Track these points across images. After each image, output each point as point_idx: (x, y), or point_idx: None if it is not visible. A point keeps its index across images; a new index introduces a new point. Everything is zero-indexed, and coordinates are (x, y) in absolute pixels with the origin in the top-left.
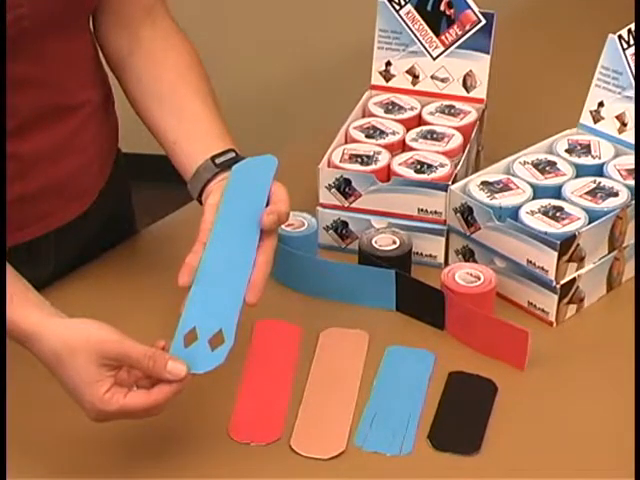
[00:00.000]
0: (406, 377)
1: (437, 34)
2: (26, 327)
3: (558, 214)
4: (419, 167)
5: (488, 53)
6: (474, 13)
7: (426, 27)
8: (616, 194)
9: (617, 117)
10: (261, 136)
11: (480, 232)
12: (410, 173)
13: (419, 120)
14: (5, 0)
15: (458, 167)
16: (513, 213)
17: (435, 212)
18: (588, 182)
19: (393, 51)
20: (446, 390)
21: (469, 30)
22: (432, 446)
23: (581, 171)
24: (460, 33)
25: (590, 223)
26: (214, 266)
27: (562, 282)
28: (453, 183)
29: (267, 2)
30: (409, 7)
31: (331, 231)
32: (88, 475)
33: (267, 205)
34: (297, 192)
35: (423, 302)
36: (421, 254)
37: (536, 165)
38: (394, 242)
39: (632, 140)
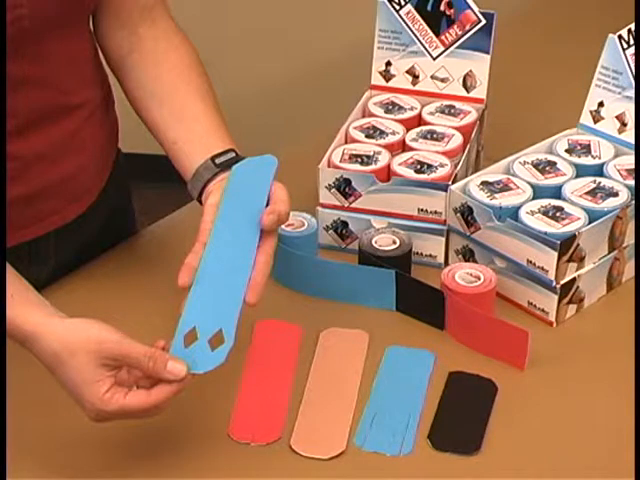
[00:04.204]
0: (406, 377)
1: (437, 34)
2: (26, 327)
3: (558, 214)
4: (419, 167)
5: (488, 53)
6: (474, 13)
7: (426, 27)
8: (616, 194)
9: (617, 117)
10: (261, 136)
11: (480, 232)
12: (410, 173)
13: (419, 120)
14: (5, 0)
15: (458, 167)
16: (513, 213)
17: (435, 212)
18: (588, 182)
19: (393, 51)
20: (446, 390)
21: (469, 30)
22: (432, 446)
23: (581, 171)
24: (460, 33)
25: (590, 223)
26: (214, 266)
27: (562, 282)
28: (453, 183)
29: (267, 2)
30: (409, 7)
31: (331, 231)
32: (88, 475)
33: (267, 205)
34: (297, 192)
35: (423, 302)
36: (421, 254)
37: (536, 165)
38: (394, 242)
39: (632, 140)
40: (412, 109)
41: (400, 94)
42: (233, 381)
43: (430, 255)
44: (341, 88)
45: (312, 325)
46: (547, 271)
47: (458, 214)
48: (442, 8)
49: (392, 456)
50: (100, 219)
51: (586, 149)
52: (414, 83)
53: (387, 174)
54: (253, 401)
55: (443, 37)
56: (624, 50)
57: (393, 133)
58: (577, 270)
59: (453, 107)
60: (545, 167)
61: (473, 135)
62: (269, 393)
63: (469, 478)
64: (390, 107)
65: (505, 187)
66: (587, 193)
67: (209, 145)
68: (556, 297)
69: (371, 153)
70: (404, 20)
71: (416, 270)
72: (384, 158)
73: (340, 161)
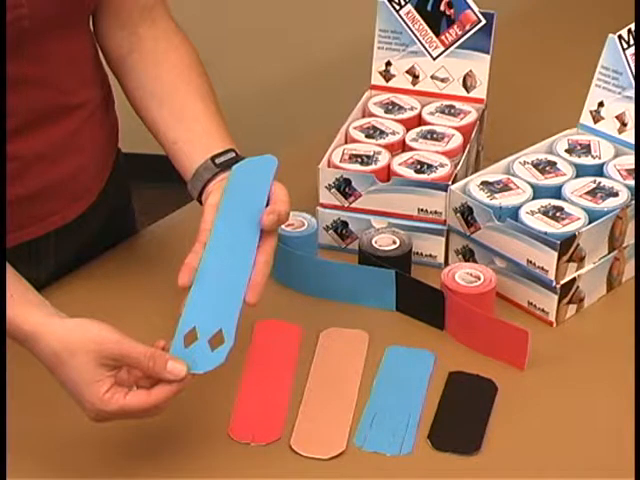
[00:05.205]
0: (406, 377)
1: (437, 34)
2: (26, 327)
3: (558, 214)
4: (419, 167)
5: (488, 53)
6: (474, 13)
7: (426, 27)
8: (616, 194)
9: (617, 117)
10: (261, 136)
11: (480, 232)
12: (410, 173)
13: (419, 120)
14: (5, 0)
15: (458, 167)
16: (513, 213)
17: (435, 212)
18: (588, 182)
19: (393, 51)
20: (446, 390)
21: (469, 30)
22: (432, 446)
23: (581, 171)
24: (460, 33)
25: (590, 223)
26: (214, 266)
27: (562, 282)
28: (453, 183)
29: (267, 2)
30: (409, 7)
31: (331, 231)
32: (88, 475)
33: (267, 205)
34: (297, 192)
35: (423, 302)
36: (421, 254)
37: (536, 165)
38: (394, 242)
39: (632, 140)
40: (412, 109)
41: (400, 94)
42: (233, 381)
43: (430, 255)
44: (341, 88)
45: (312, 325)
46: (547, 271)
47: (458, 214)
48: (442, 8)
49: (392, 456)
50: (100, 219)
51: (586, 149)
52: (414, 83)
53: (387, 174)
54: (253, 401)
55: (443, 37)
56: (624, 50)
57: (393, 133)
58: (577, 270)
59: (453, 107)
60: (545, 167)
61: (473, 135)
62: (269, 393)
63: (469, 478)
64: (390, 107)
65: (505, 187)
66: (587, 193)
67: (209, 145)
68: (556, 297)
69: (371, 153)
70: (404, 20)
71: (416, 270)
72: (384, 158)
73: (340, 161)
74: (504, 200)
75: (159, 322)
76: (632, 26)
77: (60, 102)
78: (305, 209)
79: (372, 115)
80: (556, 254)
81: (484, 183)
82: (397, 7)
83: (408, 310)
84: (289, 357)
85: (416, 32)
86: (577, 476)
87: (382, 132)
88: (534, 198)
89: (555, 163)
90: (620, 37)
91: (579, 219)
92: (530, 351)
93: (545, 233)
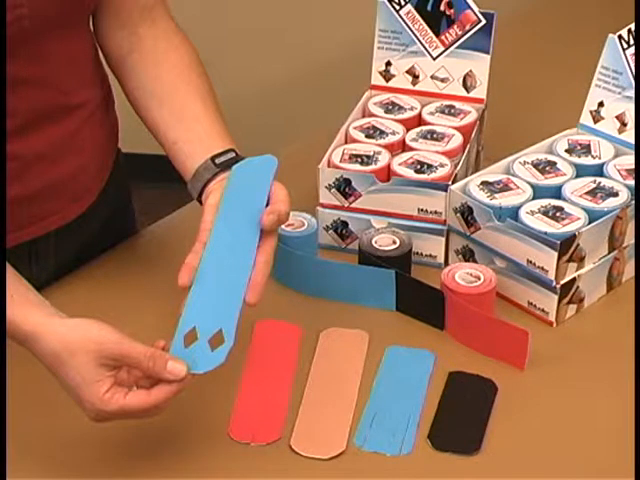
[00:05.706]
0: (406, 377)
1: (437, 34)
2: (26, 327)
3: (558, 214)
4: (419, 167)
5: (488, 53)
6: (474, 13)
7: (426, 27)
8: (616, 194)
9: (617, 117)
10: (261, 136)
11: (480, 232)
12: (410, 173)
13: (419, 120)
14: (5, 0)
15: (458, 167)
16: (513, 213)
17: (435, 212)
18: (588, 182)
19: (393, 51)
20: (446, 390)
21: (469, 30)
22: (432, 446)
23: (581, 171)
24: (460, 33)
25: (590, 223)
26: (214, 266)
27: (562, 282)
28: (453, 183)
29: (267, 2)
30: (409, 7)
31: (331, 231)
32: (88, 475)
33: (267, 205)
34: (297, 192)
35: (423, 302)
36: (421, 254)
37: (536, 165)
38: (394, 242)
39: (632, 140)
40: (412, 109)
41: (400, 94)
42: (233, 381)
43: (430, 255)
44: (341, 88)
45: (312, 325)
46: (547, 271)
47: (458, 214)
48: (442, 8)
49: (392, 456)
50: (100, 219)
51: (586, 149)
52: (414, 83)
53: (387, 174)
54: (253, 401)
55: (443, 37)
56: (624, 50)
57: (393, 133)
58: (577, 270)
59: (453, 107)
60: (545, 167)
61: (473, 135)
62: (269, 393)
63: (469, 478)
64: (390, 107)
65: (505, 187)
66: (587, 193)
67: (209, 145)
68: (556, 297)
69: (371, 153)
70: (404, 20)
71: (416, 270)
72: (384, 158)
73: (340, 161)
74: (504, 200)
75: (159, 322)
76: (632, 26)
77: (60, 102)
78: (305, 209)
79: (372, 115)
80: (556, 254)
81: (484, 183)
82: (397, 7)
83: (408, 310)
84: (289, 357)
85: (416, 32)
86: (577, 476)
87: (382, 132)
88: (534, 198)
89: (555, 163)
90: (620, 37)
91: (579, 219)
92: (530, 351)
93: (545, 233)
